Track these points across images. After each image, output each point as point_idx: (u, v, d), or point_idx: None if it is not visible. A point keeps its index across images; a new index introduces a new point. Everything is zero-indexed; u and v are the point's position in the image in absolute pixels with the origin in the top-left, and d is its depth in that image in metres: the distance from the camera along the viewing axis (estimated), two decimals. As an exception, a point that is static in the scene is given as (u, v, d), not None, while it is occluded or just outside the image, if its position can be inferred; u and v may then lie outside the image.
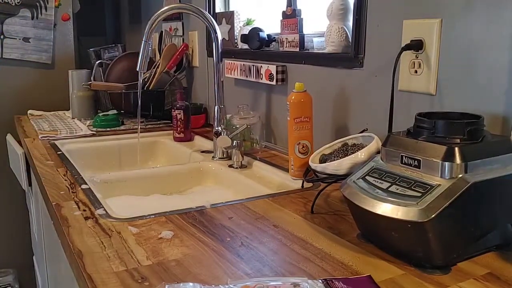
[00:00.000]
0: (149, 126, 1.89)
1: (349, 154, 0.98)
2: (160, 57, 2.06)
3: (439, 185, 0.69)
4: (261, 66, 1.52)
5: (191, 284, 0.65)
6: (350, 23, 1.22)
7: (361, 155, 0.92)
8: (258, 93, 1.60)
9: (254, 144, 1.48)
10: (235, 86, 1.73)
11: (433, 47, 0.99)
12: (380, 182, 0.76)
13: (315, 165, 1.00)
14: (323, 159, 1.03)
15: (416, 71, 1.03)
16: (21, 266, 2.39)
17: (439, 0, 0.97)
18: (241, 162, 1.35)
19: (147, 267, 0.73)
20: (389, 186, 0.74)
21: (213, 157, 1.44)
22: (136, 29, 2.77)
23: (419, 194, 0.70)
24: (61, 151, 1.48)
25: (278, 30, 1.47)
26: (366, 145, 0.96)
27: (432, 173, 0.72)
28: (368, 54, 1.16)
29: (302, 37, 1.38)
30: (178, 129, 1.68)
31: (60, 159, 1.38)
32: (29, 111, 2.17)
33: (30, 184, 1.87)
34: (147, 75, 1.96)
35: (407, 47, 1.01)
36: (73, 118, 2.03)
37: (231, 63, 1.67)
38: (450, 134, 0.74)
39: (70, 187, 1.13)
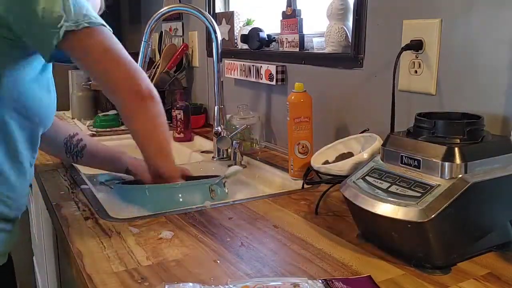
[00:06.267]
0: (149, 126, 1.89)
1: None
2: (160, 57, 2.06)
3: (439, 185, 0.69)
4: (261, 66, 1.52)
5: (191, 284, 0.65)
6: (350, 23, 1.22)
7: (365, 155, 0.92)
8: (258, 93, 1.60)
9: (254, 144, 1.48)
10: (235, 86, 1.73)
11: (433, 47, 0.99)
12: (380, 182, 0.76)
13: (318, 166, 1.00)
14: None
15: (416, 71, 1.03)
16: (21, 266, 2.39)
17: (439, 0, 0.97)
18: (241, 162, 1.34)
19: (147, 267, 0.72)
20: (389, 186, 0.74)
21: (213, 157, 1.44)
22: (136, 29, 2.76)
23: (419, 194, 0.70)
24: (61, 151, 1.48)
25: (278, 30, 1.47)
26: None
27: (432, 173, 0.72)
28: (368, 54, 1.16)
29: (302, 37, 1.38)
30: (178, 129, 1.68)
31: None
32: (29, 111, 2.17)
33: (30, 185, 1.87)
34: (147, 75, 1.95)
35: (407, 47, 1.01)
36: (73, 118, 2.03)
37: (231, 63, 1.67)
38: (450, 134, 0.74)
39: (70, 187, 1.13)
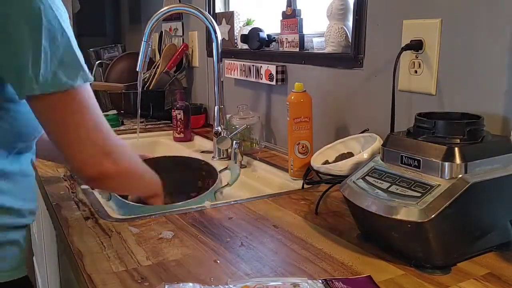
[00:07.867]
0: (149, 126, 1.89)
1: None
2: (160, 57, 2.06)
3: (439, 185, 0.69)
4: (261, 66, 1.52)
5: (191, 284, 0.65)
6: (350, 23, 1.22)
7: (365, 155, 0.92)
8: (258, 93, 1.60)
9: (254, 144, 1.48)
10: (235, 86, 1.73)
11: (433, 47, 0.99)
12: (380, 182, 0.76)
13: (318, 166, 1.00)
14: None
15: (416, 71, 1.03)
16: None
17: (439, 0, 0.97)
18: (241, 162, 1.34)
19: (147, 267, 0.73)
20: (389, 186, 0.74)
21: (213, 157, 1.44)
22: (136, 29, 2.77)
23: (419, 194, 0.70)
24: (61, 151, 1.48)
25: (278, 30, 1.47)
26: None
27: (432, 173, 0.72)
28: (368, 54, 1.16)
29: (302, 37, 1.38)
30: (178, 129, 1.68)
31: (60, 159, 1.38)
32: (29, 111, 2.16)
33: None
34: (147, 75, 1.96)
35: (407, 47, 1.01)
36: (73, 118, 2.02)
37: (231, 63, 1.67)
38: (450, 134, 0.74)
39: (70, 187, 1.13)
